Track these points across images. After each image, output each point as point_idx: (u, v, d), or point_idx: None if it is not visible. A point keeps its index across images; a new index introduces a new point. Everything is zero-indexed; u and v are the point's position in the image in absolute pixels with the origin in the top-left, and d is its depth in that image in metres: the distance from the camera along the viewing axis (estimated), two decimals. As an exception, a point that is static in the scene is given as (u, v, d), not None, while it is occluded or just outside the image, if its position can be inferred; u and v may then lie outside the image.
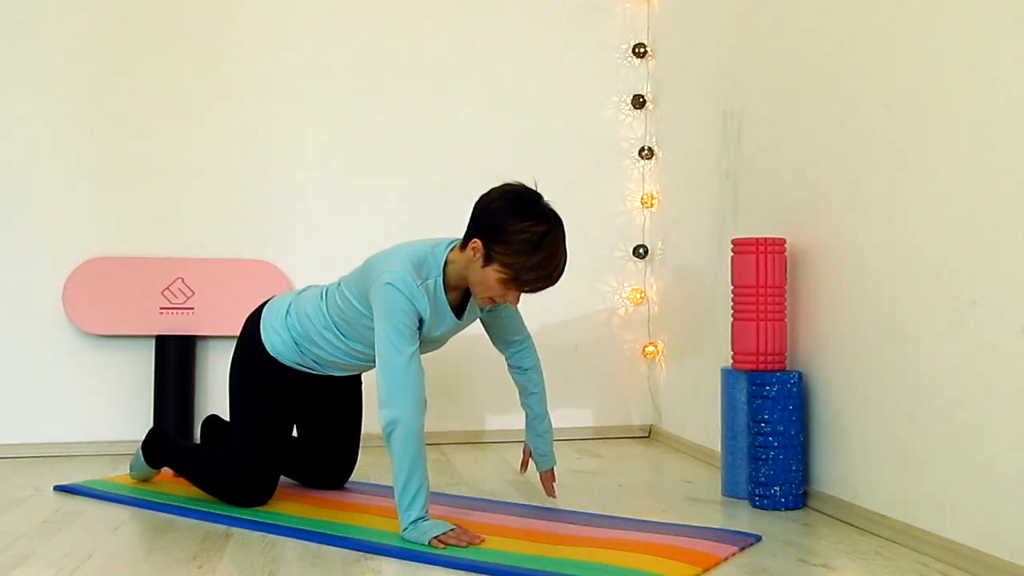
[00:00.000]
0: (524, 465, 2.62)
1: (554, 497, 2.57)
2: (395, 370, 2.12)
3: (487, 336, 2.57)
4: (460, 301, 2.36)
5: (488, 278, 2.17)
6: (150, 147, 3.39)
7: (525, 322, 2.58)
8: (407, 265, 2.21)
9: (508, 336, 2.56)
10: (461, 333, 2.47)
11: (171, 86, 3.41)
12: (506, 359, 2.60)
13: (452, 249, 2.29)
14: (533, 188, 2.22)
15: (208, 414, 2.98)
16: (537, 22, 3.67)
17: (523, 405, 2.59)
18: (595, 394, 3.68)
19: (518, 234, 2.11)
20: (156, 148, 3.40)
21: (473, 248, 2.18)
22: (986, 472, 1.89)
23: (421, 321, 2.23)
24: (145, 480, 2.75)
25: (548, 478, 2.59)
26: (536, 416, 2.58)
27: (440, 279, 2.26)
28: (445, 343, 2.46)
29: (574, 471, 3.00)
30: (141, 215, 3.39)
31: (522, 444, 2.61)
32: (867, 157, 2.29)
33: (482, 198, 2.22)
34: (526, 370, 2.58)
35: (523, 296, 2.28)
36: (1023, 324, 1.80)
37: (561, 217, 2.19)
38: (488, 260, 2.16)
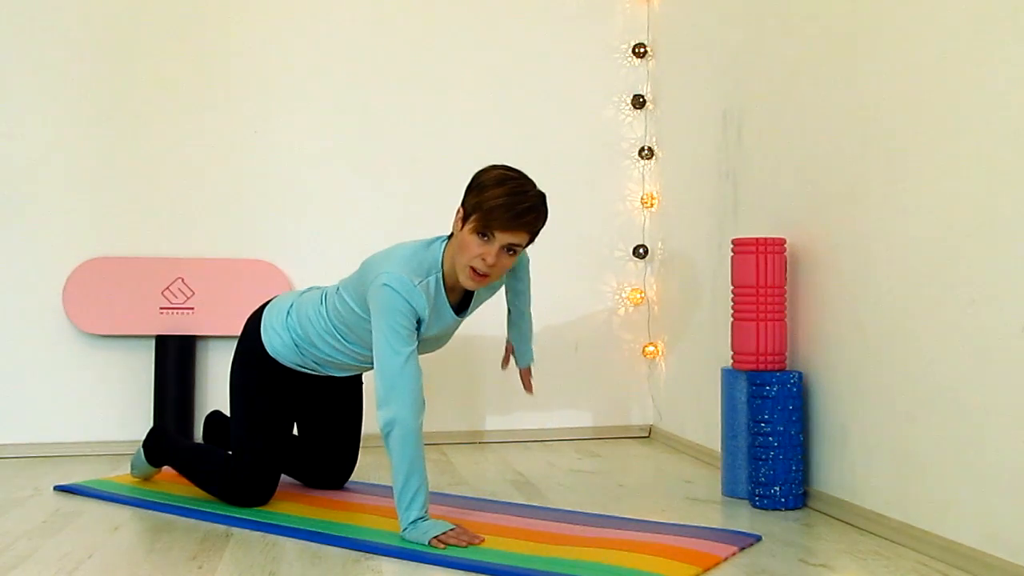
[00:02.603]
0: (505, 361, 2.70)
1: (531, 394, 2.65)
2: (392, 371, 2.12)
3: (486, 336, 2.57)
4: (460, 301, 2.36)
5: (467, 239, 2.15)
6: (150, 147, 3.39)
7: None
8: (404, 265, 2.21)
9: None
10: (461, 334, 2.47)
11: (171, 86, 3.41)
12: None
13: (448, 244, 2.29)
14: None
15: (210, 411, 2.98)
16: (537, 22, 3.67)
17: (508, 303, 2.63)
18: (595, 394, 3.67)
19: (486, 177, 2.17)
20: (156, 148, 3.40)
21: (456, 220, 2.21)
22: (986, 472, 1.89)
23: (419, 321, 2.22)
24: (146, 479, 2.75)
25: (526, 375, 2.68)
26: (519, 314, 2.64)
27: (440, 275, 2.25)
28: (446, 343, 2.46)
29: (574, 471, 3.00)
30: (141, 215, 3.38)
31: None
32: (867, 157, 2.29)
33: None
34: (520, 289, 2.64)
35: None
36: (1023, 324, 1.80)
37: (544, 193, 2.20)
38: (465, 218, 2.17)
